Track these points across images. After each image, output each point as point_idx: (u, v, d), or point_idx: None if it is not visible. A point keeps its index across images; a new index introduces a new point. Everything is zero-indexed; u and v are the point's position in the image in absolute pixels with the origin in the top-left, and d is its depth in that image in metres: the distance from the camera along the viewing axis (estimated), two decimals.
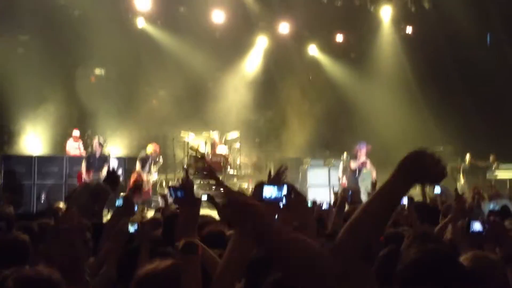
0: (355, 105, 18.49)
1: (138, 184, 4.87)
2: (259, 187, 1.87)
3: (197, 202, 2.02)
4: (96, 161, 11.98)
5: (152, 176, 12.59)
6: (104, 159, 12.16)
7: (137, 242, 3.13)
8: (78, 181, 11.83)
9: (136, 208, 4.72)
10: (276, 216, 1.86)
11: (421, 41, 17.81)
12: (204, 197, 5.42)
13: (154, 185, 13.80)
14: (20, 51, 15.13)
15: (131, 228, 3.12)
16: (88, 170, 11.85)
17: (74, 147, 13.63)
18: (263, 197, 1.82)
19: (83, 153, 13.35)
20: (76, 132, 13.82)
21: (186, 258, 1.82)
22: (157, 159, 12.91)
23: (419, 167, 1.53)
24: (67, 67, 15.29)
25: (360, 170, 13.01)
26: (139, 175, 12.15)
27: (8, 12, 13.73)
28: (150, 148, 12.66)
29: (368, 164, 12.90)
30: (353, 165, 13.23)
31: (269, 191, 1.81)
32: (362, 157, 12.82)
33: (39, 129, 15.07)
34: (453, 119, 16.60)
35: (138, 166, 12.40)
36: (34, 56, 14.69)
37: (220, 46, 17.14)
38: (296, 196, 1.87)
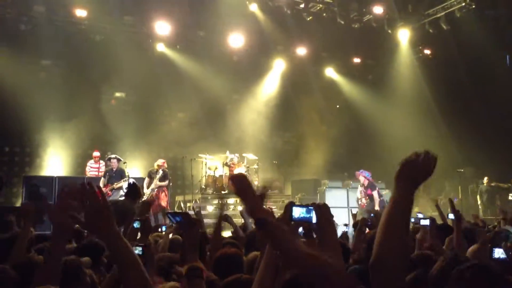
0: (373, 127, 18.40)
1: (145, 202, 4.88)
2: (289, 208, 1.92)
3: (196, 224, 2.06)
4: (114, 174, 12.17)
5: (153, 186, 12.78)
6: (121, 173, 12.40)
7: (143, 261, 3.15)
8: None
9: (164, 229, 4.73)
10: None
11: (439, 62, 17.74)
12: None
13: (171, 204, 13.97)
14: (42, 75, 15.51)
15: (136, 251, 3.15)
16: (106, 184, 12.07)
17: (94, 168, 13.84)
18: (293, 217, 1.91)
19: (99, 174, 13.57)
20: (96, 153, 14.04)
21: (192, 282, 1.87)
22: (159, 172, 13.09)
23: (409, 170, 1.71)
24: (88, 91, 15.57)
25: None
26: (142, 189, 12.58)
27: (30, 37, 14.13)
28: (155, 163, 13.03)
29: (375, 195, 12.99)
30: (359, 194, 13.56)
31: (299, 212, 1.90)
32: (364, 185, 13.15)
33: (60, 150, 15.33)
34: (473, 141, 16.36)
35: (145, 181, 12.82)
36: (56, 80, 15.06)
37: (238, 70, 17.34)
38: (324, 216, 1.91)
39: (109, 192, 11.90)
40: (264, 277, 1.90)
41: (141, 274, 1.72)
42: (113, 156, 12.79)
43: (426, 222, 4.47)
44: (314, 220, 1.91)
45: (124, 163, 13.93)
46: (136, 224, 3.91)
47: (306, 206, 1.95)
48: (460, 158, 16.47)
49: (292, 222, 1.94)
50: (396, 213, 1.64)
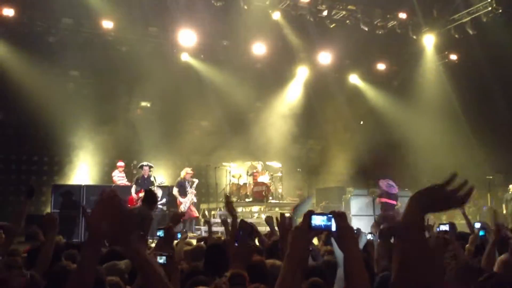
0: (398, 134, 18.16)
1: (176, 214, 4.94)
2: (308, 216, 1.94)
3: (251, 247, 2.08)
4: (145, 182, 12.41)
5: (190, 196, 13.04)
6: (151, 181, 12.63)
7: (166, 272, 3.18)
8: (130, 203, 12.20)
9: (179, 236, 4.79)
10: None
11: (465, 67, 17.44)
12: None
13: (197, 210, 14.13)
14: (71, 86, 15.87)
15: (160, 260, 3.18)
16: (137, 191, 12.29)
17: (119, 177, 14.08)
18: (313, 225, 1.92)
19: (127, 183, 13.80)
20: (121, 163, 14.28)
21: None
22: (192, 180, 13.34)
23: (430, 196, 1.65)
24: (115, 101, 15.85)
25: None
26: (178, 200, 12.87)
27: (59, 49, 14.47)
28: (183, 172, 13.17)
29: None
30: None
31: (319, 220, 1.92)
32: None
33: (88, 159, 15.60)
34: (502, 147, 16.02)
35: (175, 190, 13.02)
36: (83, 91, 15.40)
37: (261, 78, 17.40)
38: (344, 224, 1.93)
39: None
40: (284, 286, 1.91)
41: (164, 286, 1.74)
42: (145, 163, 13.02)
43: (445, 227, 4.46)
44: (333, 228, 1.92)
45: (151, 168, 14.12)
46: (160, 233, 3.95)
47: (325, 214, 1.95)
48: (488, 164, 16.13)
49: (312, 231, 1.94)
50: (406, 238, 1.62)
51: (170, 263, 3.17)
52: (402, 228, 1.65)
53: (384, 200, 12.94)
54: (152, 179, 12.77)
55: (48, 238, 3.83)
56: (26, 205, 4.82)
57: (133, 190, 12.44)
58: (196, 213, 13.13)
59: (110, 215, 1.71)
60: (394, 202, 12.89)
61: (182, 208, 12.58)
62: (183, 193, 12.94)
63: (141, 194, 11.96)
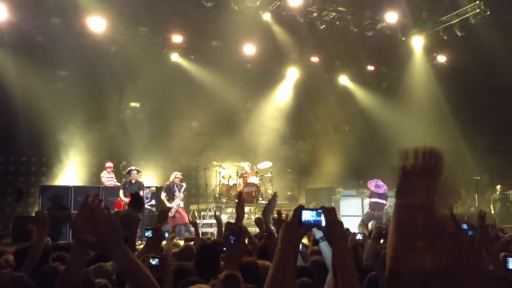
0: (388, 135, 18.26)
1: (163, 211, 4.92)
2: (298, 212, 1.96)
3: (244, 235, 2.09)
4: (133, 186, 12.27)
5: (177, 201, 12.70)
6: (140, 185, 12.49)
7: (160, 274, 3.17)
8: (117, 207, 12.07)
9: (166, 235, 4.77)
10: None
11: (454, 69, 17.57)
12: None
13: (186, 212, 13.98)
14: (59, 86, 15.75)
15: (153, 262, 3.17)
16: (127, 196, 12.10)
17: (108, 178, 13.96)
18: (303, 220, 1.94)
19: (117, 183, 13.67)
20: (109, 164, 14.17)
21: None
22: (181, 184, 13.09)
23: (409, 182, 1.56)
24: (104, 101, 15.76)
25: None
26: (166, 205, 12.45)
27: (47, 49, 14.34)
28: (173, 176, 12.96)
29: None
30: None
31: (308, 215, 1.94)
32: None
33: (76, 160, 15.50)
34: (489, 148, 16.17)
35: (163, 195, 12.71)
36: (72, 91, 15.29)
37: (252, 78, 17.41)
38: (333, 219, 1.95)
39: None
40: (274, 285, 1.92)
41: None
42: (133, 168, 12.85)
43: None
44: (323, 223, 1.94)
45: (139, 172, 14.10)
46: (148, 233, 3.93)
47: (315, 209, 1.97)
48: (476, 165, 16.27)
49: (302, 226, 1.96)
50: (399, 235, 1.56)
51: (163, 265, 3.16)
52: (395, 221, 1.65)
53: (374, 200, 13.01)
54: (143, 185, 12.59)
55: (39, 237, 3.80)
56: (15, 208, 4.80)
57: (121, 194, 12.20)
58: (186, 219, 12.69)
59: (93, 221, 1.75)
60: (383, 202, 12.96)
61: (170, 214, 12.09)
62: (171, 197, 12.58)
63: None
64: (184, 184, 13.14)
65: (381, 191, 13.03)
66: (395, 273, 1.54)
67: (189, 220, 12.63)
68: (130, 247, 3.64)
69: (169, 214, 12.03)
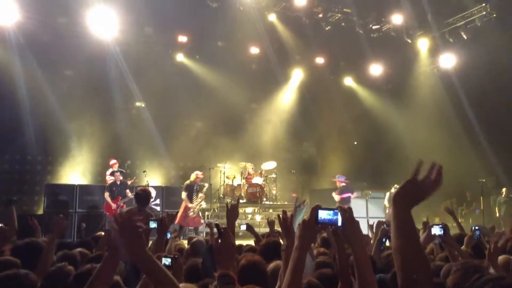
0: (393, 136, 18.26)
1: (171, 216, 4.92)
2: (315, 211, 2.04)
3: (228, 234, 2.14)
4: (119, 188, 12.26)
5: (199, 201, 12.54)
6: (126, 185, 12.48)
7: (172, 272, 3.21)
8: (107, 210, 12.03)
9: (168, 236, 4.80)
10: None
11: (460, 72, 17.51)
12: (243, 227, 5.56)
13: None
14: (65, 85, 15.78)
15: (166, 261, 3.19)
16: (115, 198, 12.07)
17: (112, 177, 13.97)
18: (319, 219, 2.02)
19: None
20: (113, 161, 14.17)
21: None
22: (202, 184, 12.99)
23: (407, 192, 1.72)
24: (109, 101, 15.81)
25: None
26: (186, 204, 12.20)
27: (53, 49, 14.39)
28: (193, 175, 12.79)
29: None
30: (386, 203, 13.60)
31: (325, 214, 2.02)
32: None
33: (81, 159, 15.56)
34: (495, 150, 16.12)
35: (184, 194, 12.42)
36: (78, 90, 15.31)
37: (257, 79, 17.42)
38: (350, 218, 2.01)
39: (123, 205, 11.95)
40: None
41: None
42: (116, 170, 12.80)
43: (438, 229, 4.47)
44: (339, 223, 2.00)
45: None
46: (152, 224, 3.95)
47: (332, 209, 2.04)
48: (481, 168, 16.22)
49: (318, 225, 2.03)
50: (402, 236, 1.68)
51: (175, 264, 3.19)
52: (395, 228, 1.69)
53: (346, 195, 13.41)
54: (127, 183, 12.55)
55: (51, 240, 3.85)
56: (13, 211, 4.96)
57: (108, 197, 12.07)
58: (200, 223, 12.46)
59: (124, 234, 1.91)
60: (351, 194, 13.49)
61: (191, 213, 12.01)
62: (191, 197, 12.31)
63: (121, 202, 11.88)
64: (206, 184, 13.01)
65: (347, 185, 13.73)
66: (409, 282, 1.58)
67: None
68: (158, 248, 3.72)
69: (191, 213, 12.01)
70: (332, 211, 2.01)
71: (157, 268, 1.90)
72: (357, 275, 1.97)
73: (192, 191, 12.34)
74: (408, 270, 1.61)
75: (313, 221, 2.02)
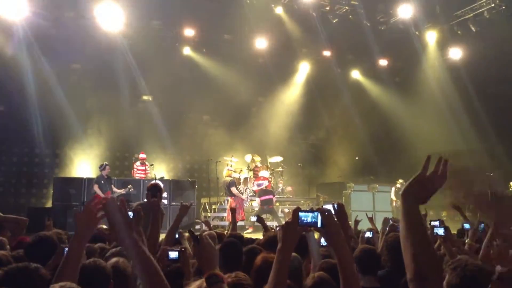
0: (400, 129, 18.18)
1: (185, 206, 4.94)
2: (296, 213, 2.06)
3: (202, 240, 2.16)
4: (106, 182, 12.30)
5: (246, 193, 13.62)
6: (111, 180, 12.54)
7: (180, 264, 3.24)
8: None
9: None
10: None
11: (468, 64, 17.39)
12: (254, 218, 5.63)
13: (197, 205, 14.09)
14: (73, 79, 15.86)
15: (173, 254, 3.22)
16: (105, 192, 12.08)
17: (141, 170, 14.06)
18: (301, 221, 2.05)
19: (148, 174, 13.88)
20: (142, 155, 14.26)
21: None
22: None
23: (415, 188, 1.71)
24: (117, 94, 15.84)
25: None
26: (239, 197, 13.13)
27: (62, 42, 14.44)
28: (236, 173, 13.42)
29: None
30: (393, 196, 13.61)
31: (305, 216, 2.05)
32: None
33: (89, 152, 15.64)
34: (503, 144, 16.03)
35: (234, 189, 13.07)
36: (86, 84, 15.39)
37: (263, 72, 17.39)
38: (330, 220, 2.02)
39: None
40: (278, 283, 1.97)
41: (161, 281, 1.83)
42: (106, 163, 12.75)
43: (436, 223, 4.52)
44: (319, 225, 2.03)
45: (151, 165, 14.22)
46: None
47: (312, 211, 2.06)
48: (489, 161, 16.14)
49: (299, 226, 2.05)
50: (411, 231, 1.69)
51: (182, 257, 3.21)
52: (404, 223, 1.70)
53: (266, 198, 13.16)
54: (110, 178, 12.61)
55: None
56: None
57: (97, 189, 12.02)
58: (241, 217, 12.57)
59: (107, 212, 1.97)
60: (271, 197, 13.26)
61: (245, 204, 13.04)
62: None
63: (114, 195, 11.93)
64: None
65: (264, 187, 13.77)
66: (419, 276, 1.59)
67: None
68: (153, 234, 3.73)
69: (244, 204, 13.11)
70: (312, 213, 2.04)
71: (141, 252, 1.86)
72: (341, 276, 1.98)
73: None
74: (417, 264, 1.62)
75: (296, 223, 2.04)
